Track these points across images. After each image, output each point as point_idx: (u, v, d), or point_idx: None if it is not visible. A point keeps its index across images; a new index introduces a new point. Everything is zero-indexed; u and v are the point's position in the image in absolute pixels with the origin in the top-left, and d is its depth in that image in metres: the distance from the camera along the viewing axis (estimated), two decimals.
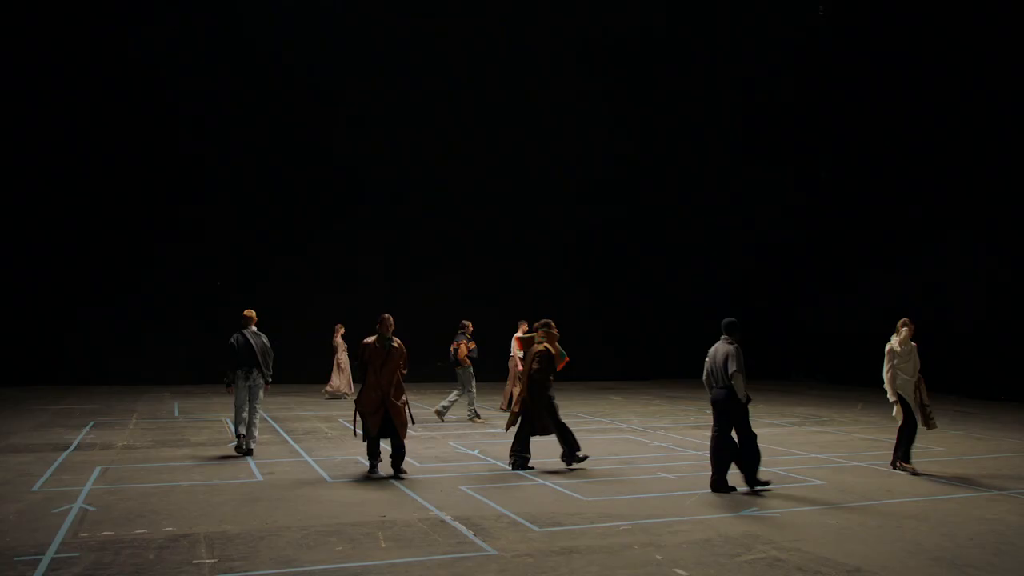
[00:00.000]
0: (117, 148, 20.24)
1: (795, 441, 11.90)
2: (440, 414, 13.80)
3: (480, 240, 23.20)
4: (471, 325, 14.10)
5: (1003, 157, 19.19)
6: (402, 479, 8.53)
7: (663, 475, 9.11)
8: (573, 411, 15.47)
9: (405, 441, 9.07)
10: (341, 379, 17.84)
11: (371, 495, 7.81)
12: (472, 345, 13.75)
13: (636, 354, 24.24)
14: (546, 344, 9.51)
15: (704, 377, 8.44)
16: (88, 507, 7.14)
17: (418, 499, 7.62)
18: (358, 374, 8.82)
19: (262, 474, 8.82)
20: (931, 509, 7.48)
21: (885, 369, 9.37)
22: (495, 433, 12.25)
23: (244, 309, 10.79)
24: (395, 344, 8.99)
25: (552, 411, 9.45)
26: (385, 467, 9.06)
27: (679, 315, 24.68)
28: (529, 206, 23.56)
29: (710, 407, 8.39)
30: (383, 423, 8.89)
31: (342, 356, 17.85)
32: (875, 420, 14.73)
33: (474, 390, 13.87)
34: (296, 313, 20.29)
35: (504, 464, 9.55)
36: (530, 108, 23.43)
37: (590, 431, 12.86)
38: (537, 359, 9.37)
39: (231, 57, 21.00)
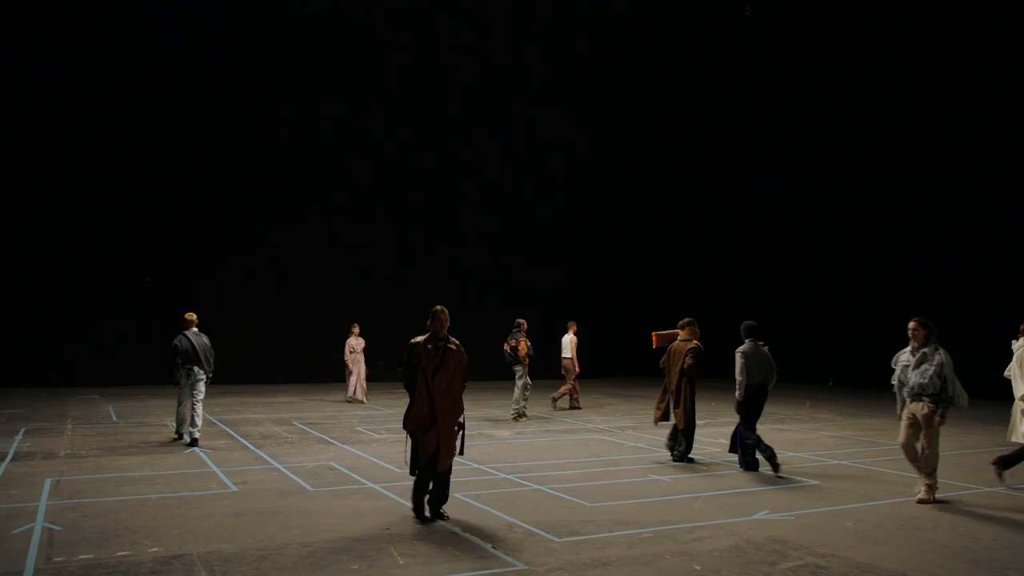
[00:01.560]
0: (47, 145, 18.94)
1: (767, 440, 11.84)
2: (518, 417, 13.84)
3: (437, 238, 22.75)
4: (525, 323, 14.12)
5: (971, 154, 19.59)
6: (444, 520, 6.75)
7: (654, 477, 8.87)
8: (535, 411, 15.16)
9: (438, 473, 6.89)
10: (352, 382, 16.53)
11: (364, 505, 7.29)
12: (528, 343, 13.89)
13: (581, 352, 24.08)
14: (697, 342, 9.83)
15: (744, 378, 9.14)
16: (52, 526, 6.41)
17: None
18: (406, 382, 6.94)
19: (235, 484, 8.17)
20: (937, 508, 7.45)
21: (1019, 373, 8.87)
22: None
23: (169, 307, 11.92)
24: (452, 346, 6.99)
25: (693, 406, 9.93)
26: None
27: (621, 312, 24.73)
28: (489, 206, 23.28)
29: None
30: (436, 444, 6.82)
31: (349, 358, 16.54)
32: (829, 417, 14.93)
33: (527, 389, 13.99)
34: (230, 312, 19.33)
35: (487, 468, 9.16)
36: (509, 104, 23.21)
37: (558, 432, 12.58)
38: (691, 355, 9.69)
39: (179, 54, 19.89)
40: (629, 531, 6.44)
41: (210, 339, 11.12)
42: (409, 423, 6.86)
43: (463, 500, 7.49)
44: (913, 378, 7.66)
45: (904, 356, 7.88)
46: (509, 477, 8.70)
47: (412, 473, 6.90)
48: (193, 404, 10.64)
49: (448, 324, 7.01)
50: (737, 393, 9.20)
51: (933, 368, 7.52)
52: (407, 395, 6.99)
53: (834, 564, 5.62)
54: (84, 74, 19.01)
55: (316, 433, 11.97)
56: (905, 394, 7.80)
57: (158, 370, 18.48)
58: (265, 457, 9.81)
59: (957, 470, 9.51)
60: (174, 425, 11.26)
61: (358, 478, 8.52)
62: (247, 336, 19.52)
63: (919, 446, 7.68)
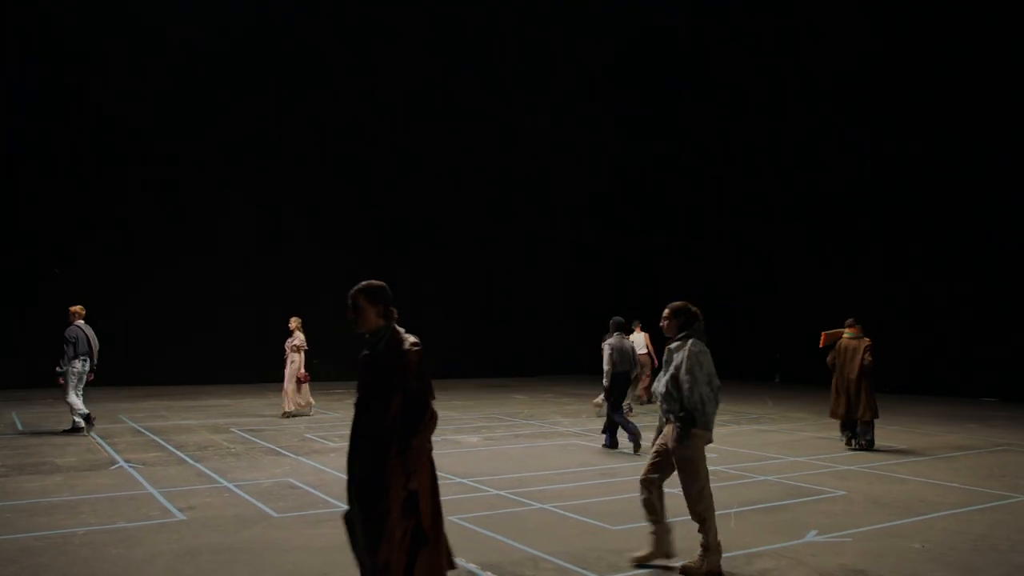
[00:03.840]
0: None
1: (757, 442, 11.09)
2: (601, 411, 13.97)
3: (352, 228, 21.33)
4: (640, 323, 14.60)
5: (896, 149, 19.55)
6: None
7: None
8: (491, 411, 14.07)
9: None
10: (295, 391, 13.35)
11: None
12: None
13: (520, 351, 23.02)
14: (867, 339, 10.62)
15: (611, 367, 10.11)
16: None
17: None
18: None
19: (180, 510, 6.78)
20: (990, 521, 6.67)
21: None
22: None
23: (76, 300, 11.50)
24: (399, 343, 3.92)
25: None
26: None
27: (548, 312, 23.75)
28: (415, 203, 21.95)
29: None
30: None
31: (293, 358, 13.34)
32: (802, 416, 14.30)
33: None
34: (144, 307, 17.55)
35: (470, 482, 8.01)
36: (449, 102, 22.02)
37: (530, 437, 11.48)
38: (870, 352, 10.48)
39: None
40: (680, 563, 5.42)
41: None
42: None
43: (461, 525, 6.34)
44: (657, 386, 5.57)
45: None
46: (502, 494, 7.56)
47: None
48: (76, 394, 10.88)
49: (372, 312, 3.93)
50: (605, 381, 10.15)
51: (670, 371, 5.37)
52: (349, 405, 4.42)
53: None
54: None
55: (261, 442, 10.56)
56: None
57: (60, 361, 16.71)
58: (209, 473, 8.40)
59: (972, 474, 8.86)
60: (75, 419, 10.96)
61: (327, 498, 7.25)
62: (162, 332, 17.77)
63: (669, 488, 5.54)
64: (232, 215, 19.30)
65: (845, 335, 10.73)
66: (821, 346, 11.00)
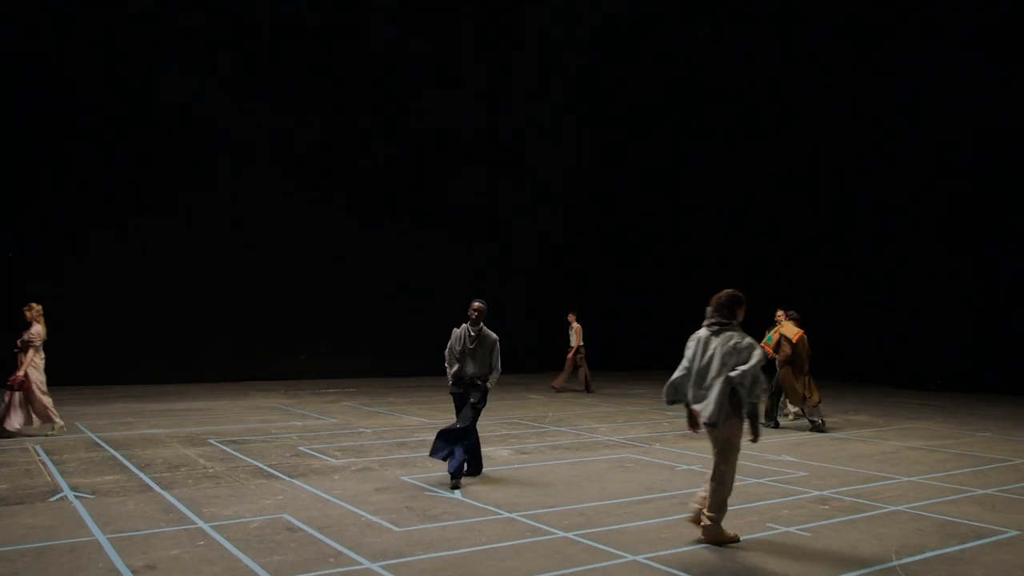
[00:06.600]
0: None
1: (842, 455, 9.27)
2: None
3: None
4: (784, 314, 12.85)
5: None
6: None
7: (777, 527, 6.02)
8: (511, 415, 12.16)
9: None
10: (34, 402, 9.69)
11: None
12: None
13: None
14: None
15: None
16: None
17: None
18: None
19: (134, 572, 4.81)
20: None
21: None
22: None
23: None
24: None
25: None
26: None
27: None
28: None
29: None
30: None
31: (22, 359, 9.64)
32: (866, 420, 12.53)
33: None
34: (110, 298, 15.48)
35: (525, 518, 6.11)
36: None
37: (570, 448, 9.57)
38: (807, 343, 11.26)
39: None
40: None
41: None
42: None
43: None
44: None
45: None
46: (571, 537, 5.65)
47: None
48: None
49: None
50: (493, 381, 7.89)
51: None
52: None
53: None
54: None
55: (246, 458, 8.58)
56: None
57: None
58: (179, 507, 6.42)
59: None
60: None
61: (338, 547, 5.32)
62: (132, 327, 15.68)
63: None
64: (206, 207, 17.16)
65: (792, 328, 11.18)
66: (773, 355, 11.01)
